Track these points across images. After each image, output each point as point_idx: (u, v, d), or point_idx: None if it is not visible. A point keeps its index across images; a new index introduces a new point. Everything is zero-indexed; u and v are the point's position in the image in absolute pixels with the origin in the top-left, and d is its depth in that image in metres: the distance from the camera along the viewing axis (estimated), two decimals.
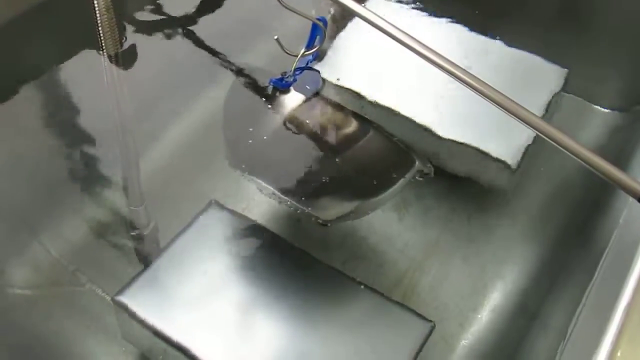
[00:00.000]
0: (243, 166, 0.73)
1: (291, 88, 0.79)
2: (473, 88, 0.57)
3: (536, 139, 0.77)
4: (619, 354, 0.45)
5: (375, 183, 0.73)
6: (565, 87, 0.83)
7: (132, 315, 0.64)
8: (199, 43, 0.93)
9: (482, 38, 0.87)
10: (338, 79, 0.82)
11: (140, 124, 0.88)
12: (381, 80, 0.82)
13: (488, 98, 0.56)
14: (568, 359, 0.53)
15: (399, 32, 0.61)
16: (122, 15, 0.83)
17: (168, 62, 0.93)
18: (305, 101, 0.79)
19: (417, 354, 0.63)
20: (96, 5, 0.77)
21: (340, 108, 0.79)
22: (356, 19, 0.87)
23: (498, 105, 0.55)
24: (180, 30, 0.95)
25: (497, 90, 0.56)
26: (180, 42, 0.95)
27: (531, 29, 0.94)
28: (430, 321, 0.65)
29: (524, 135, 0.77)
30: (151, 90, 0.90)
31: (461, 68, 0.58)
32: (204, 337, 0.63)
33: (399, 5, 0.91)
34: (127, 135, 0.87)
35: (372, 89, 0.81)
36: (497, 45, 0.86)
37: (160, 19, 0.96)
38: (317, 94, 0.80)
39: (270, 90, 0.80)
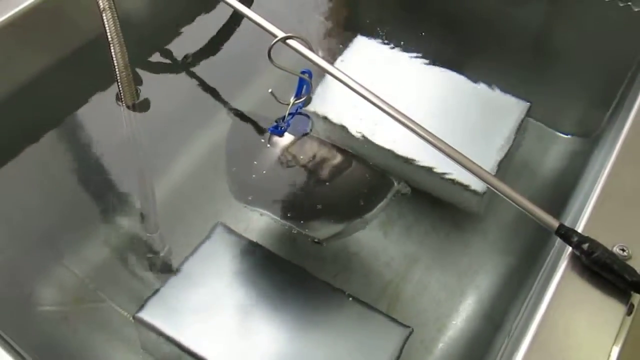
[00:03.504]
0: (250, 198, 0.77)
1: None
2: (431, 144, 0.63)
3: (500, 166, 0.82)
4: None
5: (361, 204, 0.77)
6: (528, 118, 0.88)
7: (151, 328, 0.68)
8: (202, 86, 0.96)
9: (455, 75, 0.91)
10: (326, 115, 0.87)
11: (153, 159, 0.92)
12: (365, 116, 0.86)
13: (444, 153, 0.63)
14: (507, 352, 0.59)
15: (365, 91, 0.68)
16: (135, 62, 0.86)
17: (175, 103, 0.96)
18: (297, 140, 0.83)
19: (398, 357, 0.67)
20: (115, 63, 0.82)
21: (326, 144, 0.83)
22: (342, 58, 0.94)
23: (451, 158, 0.62)
24: (185, 74, 0.98)
25: (451, 147, 0.62)
26: (185, 85, 0.98)
27: (501, 66, 0.99)
28: (409, 327, 0.68)
29: (490, 163, 0.82)
30: (161, 129, 0.94)
31: (423, 128, 0.65)
32: (212, 344, 0.67)
33: (380, 43, 0.96)
34: (143, 170, 0.91)
35: (357, 124, 0.86)
36: (467, 82, 0.91)
37: (168, 63, 0.99)
38: (306, 134, 0.84)
39: (267, 134, 0.84)
